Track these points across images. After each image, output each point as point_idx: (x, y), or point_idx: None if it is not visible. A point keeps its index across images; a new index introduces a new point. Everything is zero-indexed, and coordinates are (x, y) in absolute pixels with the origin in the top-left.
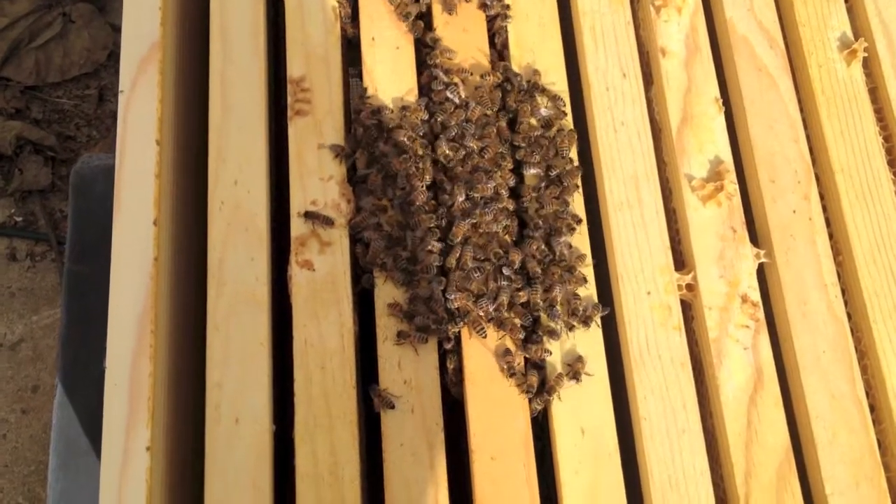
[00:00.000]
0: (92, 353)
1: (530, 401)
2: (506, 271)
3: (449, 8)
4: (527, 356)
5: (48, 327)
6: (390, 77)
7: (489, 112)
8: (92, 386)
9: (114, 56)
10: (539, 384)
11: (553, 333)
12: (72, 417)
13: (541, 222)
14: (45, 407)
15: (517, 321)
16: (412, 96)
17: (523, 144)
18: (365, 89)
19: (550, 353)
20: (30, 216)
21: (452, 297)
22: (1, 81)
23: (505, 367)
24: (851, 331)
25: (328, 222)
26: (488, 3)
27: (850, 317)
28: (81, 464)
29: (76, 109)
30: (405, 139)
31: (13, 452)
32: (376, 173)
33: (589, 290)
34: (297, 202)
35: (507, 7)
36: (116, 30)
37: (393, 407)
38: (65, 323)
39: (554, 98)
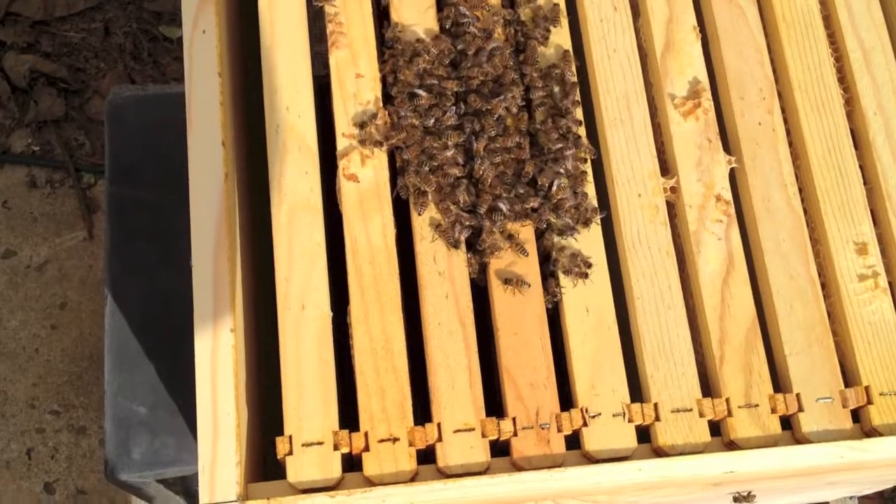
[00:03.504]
0: (136, 265)
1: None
2: (523, 179)
3: None
4: (542, 249)
5: (71, 249)
6: (414, 13)
7: (504, 42)
8: (138, 294)
9: None
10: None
11: (566, 230)
12: (122, 323)
13: (547, 142)
14: (72, 322)
15: (533, 223)
16: (435, 28)
17: (534, 74)
18: (396, 24)
19: (562, 248)
20: (46, 145)
21: (479, 201)
22: (11, 17)
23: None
24: (807, 222)
25: (377, 144)
26: None
27: (805, 211)
28: (133, 363)
29: (84, 42)
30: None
31: (46, 365)
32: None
33: (590, 196)
34: (342, 124)
35: None
36: None
37: None
38: (109, 239)
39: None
